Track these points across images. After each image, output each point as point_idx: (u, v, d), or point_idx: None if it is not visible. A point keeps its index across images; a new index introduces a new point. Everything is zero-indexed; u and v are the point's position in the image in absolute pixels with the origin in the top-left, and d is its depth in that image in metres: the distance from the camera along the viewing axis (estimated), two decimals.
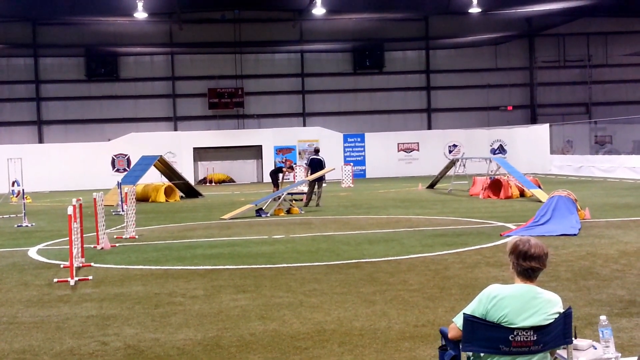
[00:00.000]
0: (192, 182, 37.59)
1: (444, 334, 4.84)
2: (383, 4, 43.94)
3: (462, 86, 50.36)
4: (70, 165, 42.74)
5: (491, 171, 27.81)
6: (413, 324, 7.39)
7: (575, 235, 13.83)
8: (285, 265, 11.39)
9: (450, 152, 46.07)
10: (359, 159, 46.37)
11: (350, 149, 46.49)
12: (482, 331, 4.41)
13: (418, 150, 46.93)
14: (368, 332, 7.13)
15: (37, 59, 47.63)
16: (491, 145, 46.72)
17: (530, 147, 44.55)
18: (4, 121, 47.25)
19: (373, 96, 50.04)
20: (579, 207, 15.68)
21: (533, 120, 50.65)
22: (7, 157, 37.37)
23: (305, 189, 24.21)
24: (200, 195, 31.52)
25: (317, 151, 26.22)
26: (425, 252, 12.24)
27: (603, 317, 4.86)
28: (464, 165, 30.80)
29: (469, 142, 46.21)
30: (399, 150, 46.92)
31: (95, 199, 13.69)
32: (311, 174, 24.36)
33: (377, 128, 48.68)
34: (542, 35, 50.52)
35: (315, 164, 24.95)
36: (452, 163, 31.36)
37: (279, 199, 21.76)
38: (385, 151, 46.58)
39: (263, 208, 21.13)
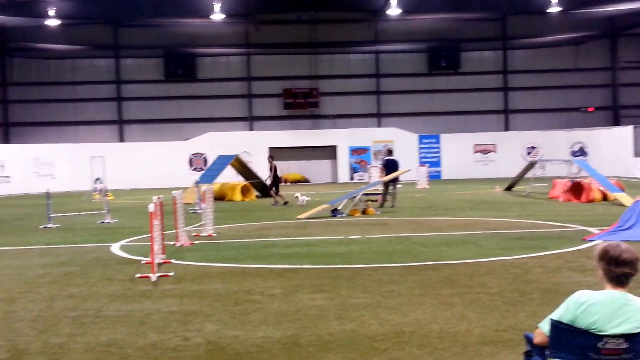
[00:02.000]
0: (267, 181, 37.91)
1: (529, 340, 4.73)
2: (459, 4, 43.46)
3: (540, 87, 49.36)
4: (149, 163, 43.80)
5: (572, 174, 27.13)
6: (494, 328, 7.25)
7: None
8: (361, 265, 11.35)
9: (528, 154, 45.23)
10: (435, 160, 45.98)
11: (426, 150, 46.14)
12: (569, 337, 4.29)
13: (495, 151, 46.26)
14: (447, 335, 7.03)
15: (118, 60, 48.95)
16: (571, 148, 45.64)
17: (613, 149, 43.27)
18: (87, 120, 48.74)
19: (449, 97, 49.53)
20: None
21: (616, 122, 49.18)
22: (90, 156, 38.57)
23: (381, 189, 24.14)
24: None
25: (390, 152, 26.11)
26: (504, 256, 12.02)
27: None
28: (543, 168, 30.16)
29: (547, 144, 45.28)
30: (475, 152, 46.35)
31: (174, 197, 13.96)
32: (386, 174, 24.25)
33: (453, 129, 48.17)
34: (625, 35, 49.02)
35: (391, 165, 24.85)
36: (531, 165, 30.76)
37: (355, 199, 21.73)
38: (461, 152, 46.09)
39: (339, 208, 21.13)
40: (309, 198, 26.06)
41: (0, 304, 8.99)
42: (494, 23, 49.06)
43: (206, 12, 42.10)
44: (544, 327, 4.45)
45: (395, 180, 24.26)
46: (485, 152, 46.39)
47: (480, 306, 8.22)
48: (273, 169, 27.19)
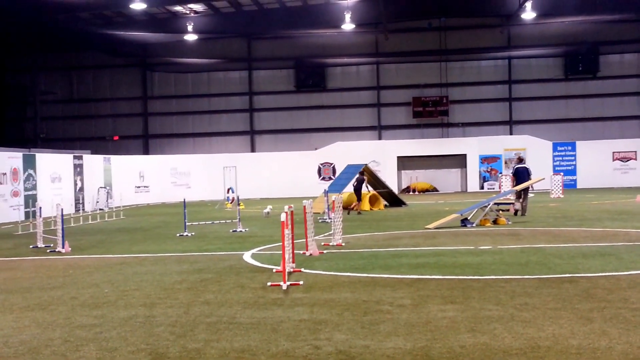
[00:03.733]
0: (395, 190, 37.83)
1: None
2: (598, 6, 41.78)
3: None
4: (280, 173, 44.73)
5: None
6: (637, 345, 6.87)
7: None
8: (493, 277, 11.08)
9: None
10: (570, 168, 44.38)
11: (560, 158, 44.61)
12: None
13: (636, 159, 44.16)
14: (586, 351, 6.73)
15: (251, 72, 50.29)
16: None
17: None
18: (221, 131, 50.36)
19: (586, 102, 47.68)
20: None
21: None
22: (223, 165, 39.79)
23: (512, 198, 23.65)
24: (404, 204, 31.64)
25: (521, 160, 25.71)
26: None
27: None
28: None
29: None
30: (614, 160, 44.37)
31: (305, 206, 14.14)
32: (517, 183, 23.85)
33: (589, 136, 46.35)
34: None
35: (521, 174, 24.38)
36: None
37: (485, 208, 21.27)
38: (599, 160, 44.30)
39: (468, 218, 20.76)
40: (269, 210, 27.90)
41: (141, 308, 9.41)
42: (635, 24, 46.83)
43: (337, 23, 42.60)
44: None
45: (526, 189, 23.84)
46: (625, 159, 44.30)
47: (622, 322, 7.82)
48: (361, 182, 28.60)
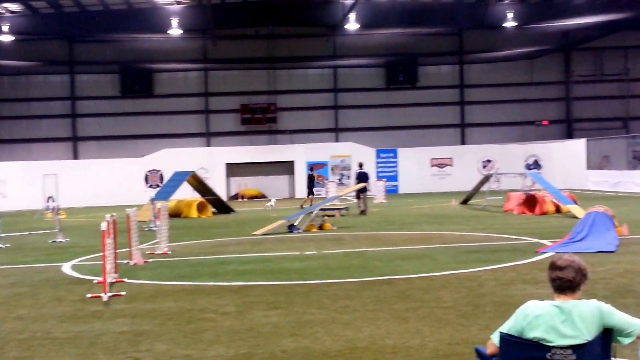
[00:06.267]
0: (224, 197, 37.70)
1: (479, 353, 4.72)
2: (417, 19, 43.89)
3: (496, 101, 49.98)
4: (105, 181, 43.17)
5: (526, 187, 27.47)
6: (447, 342, 7.26)
7: (612, 252, 13.56)
8: (317, 281, 11.32)
9: (484, 167, 45.67)
10: (392, 174, 46.17)
11: (383, 165, 46.33)
12: (518, 349, 4.31)
13: (451, 165, 46.61)
14: (401, 349, 7.02)
15: (73, 76, 48.31)
16: (526, 161, 46.21)
17: (566, 162, 43.93)
18: (41, 137, 47.95)
19: (406, 111, 49.86)
20: (616, 224, 15.34)
21: (569, 135, 50.00)
22: (43, 173, 37.90)
23: (338, 204, 24.65)
24: (232, 211, 31.59)
25: (361, 165, 28.57)
26: (459, 269, 12.08)
27: None
28: (498, 181, 30.49)
29: (503, 157, 45.76)
30: (432, 166, 46.65)
31: (128, 214, 13.76)
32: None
33: (410, 143, 48.45)
34: (579, 49, 49.92)
35: (361, 177, 27.63)
36: (486, 178, 31.08)
37: (312, 214, 21.70)
38: (418, 167, 46.35)
39: (295, 224, 21.08)
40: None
41: None
42: (450, 38, 49.60)
43: (163, 28, 41.89)
44: (495, 338, 4.46)
45: (364, 191, 26.97)
46: (442, 165, 46.75)
47: (434, 320, 8.23)
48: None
